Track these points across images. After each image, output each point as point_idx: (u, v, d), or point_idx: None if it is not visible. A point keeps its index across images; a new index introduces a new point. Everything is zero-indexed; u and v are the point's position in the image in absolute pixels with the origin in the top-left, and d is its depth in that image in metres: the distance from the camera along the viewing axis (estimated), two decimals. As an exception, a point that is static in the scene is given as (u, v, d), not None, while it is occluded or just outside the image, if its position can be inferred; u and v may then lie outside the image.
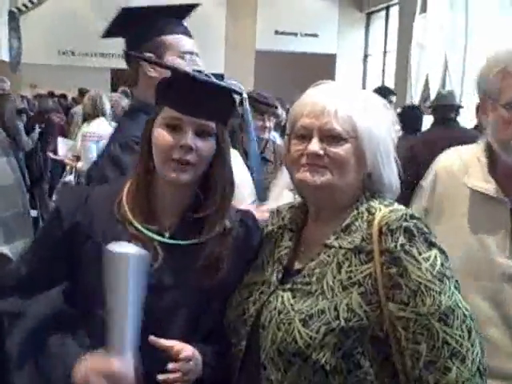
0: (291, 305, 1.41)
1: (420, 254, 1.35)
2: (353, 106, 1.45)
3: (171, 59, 2.03)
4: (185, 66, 2.01)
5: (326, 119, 1.43)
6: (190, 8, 2.32)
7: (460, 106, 5.06)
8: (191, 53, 2.13)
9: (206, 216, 1.51)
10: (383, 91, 6.18)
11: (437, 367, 1.32)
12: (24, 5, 12.43)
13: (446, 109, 4.81)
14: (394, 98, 6.00)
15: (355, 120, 1.43)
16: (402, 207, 1.45)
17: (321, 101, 1.45)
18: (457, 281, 1.39)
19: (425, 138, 4.87)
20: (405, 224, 1.38)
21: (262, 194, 1.73)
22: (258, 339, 1.44)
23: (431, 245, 1.37)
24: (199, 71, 1.55)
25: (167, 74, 1.55)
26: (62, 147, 6.04)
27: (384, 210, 1.42)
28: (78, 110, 8.42)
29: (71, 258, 1.49)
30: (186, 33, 2.20)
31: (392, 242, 1.36)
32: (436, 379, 1.32)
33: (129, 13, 2.16)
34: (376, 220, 1.40)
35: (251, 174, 1.94)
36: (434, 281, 1.34)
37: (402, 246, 1.35)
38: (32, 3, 12.36)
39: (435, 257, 1.36)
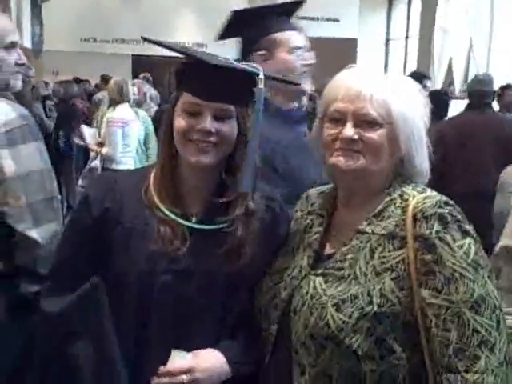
0: (323, 290, 1.41)
1: (454, 241, 1.35)
2: (387, 90, 1.44)
3: (283, 55, 2.11)
4: (294, 61, 2.11)
5: (362, 104, 1.42)
6: (297, 5, 2.38)
7: (495, 92, 5.00)
8: (301, 48, 2.18)
9: (230, 200, 1.51)
10: (418, 76, 6.11)
11: (466, 355, 1.32)
12: (46, -8, 12.48)
13: (481, 93, 4.75)
14: (428, 83, 5.94)
15: (390, 105, 1.42)
16: (435, 193, 1.44)
17: (355, 85, 1.44)
18: (490, 270, 1.38)
19: (455, 122, 4.83)
20: (440, 211, 1.37)
21: None
22: (290, 324, 1.44)
23: (465, 233, 1.37)
24: (217, 55, 1.53)
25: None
26: (86, 134, 6.09)
27: (418, 197, 1.42)
28: (100, 96, 8.46)
29: (102, 245, 1.50)
30: (295, 28, 2.25)
31: (427, 229, 1.36)
32: (466, 367, 1.32)
33: (240, 15, 2.23)
34: (410, 206, 1.40)
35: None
36: (468, 269, 1.34)
37: (437, 232, 1.35)
38: (54, -10, 12.40)
39: (469, 245, 1.36)
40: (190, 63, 1.50)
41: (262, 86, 1.45)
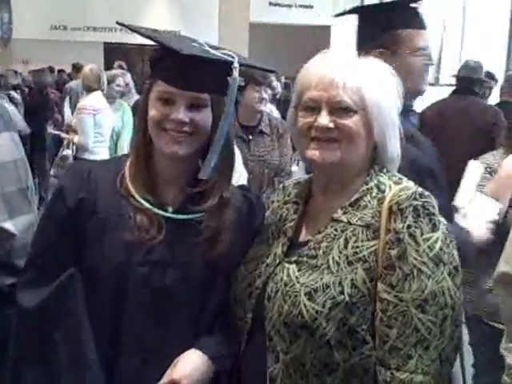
0: (296, 277, 1.41)
1: (422, 234, 1.34)
2: (361, 76, 1.43)
3: (407, 55, 1.96)
4: (419, 62, 1.97)
5: (335, 91, 1.41)
6: None
7: (484, 81, 5.03)
8: (425, 48, 2.03)
9: (205, 190, 1.50)
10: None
11: (400, 354, 1.34)
12: (14, -22, 12.26)
13: (468, 80, 4.79)
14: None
15: (364, 91, 1.42)
16: (411, 184, 1.44)
17: (329, 72, 1.42)
18: (456, 268, 1.37)
19: (437, 106, 4.86)
20: (414, 203, 1.37)
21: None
22: (264, 311, 1.44)
23: (435, 227, 1.36)
24: (194, 40, 1.50)
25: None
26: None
27: (395, 189, 1.41)
28: (73, 85, 8.33)
29: (77, 236, 1.48)
30: (422, 26, 2.06)
31: (400, 222, 1.35)
32: (397, 365, 1.34)
33: (364, 9, 2.13)
34: (387, 199, 1.39)
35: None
36: (428, 263, 1.34)
37: (409, 227, 1.35)
38: (22, -23, 12.17)
39: (436, 239, 1.35)
40: (161, 51, 1.47)
41: (236, 74, 1.43)
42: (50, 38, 14.77)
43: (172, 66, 1.43)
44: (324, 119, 1.41)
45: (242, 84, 1.44)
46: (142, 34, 1.49)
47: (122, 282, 1.45)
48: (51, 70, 10.73)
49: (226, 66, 1.44)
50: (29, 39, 13.62)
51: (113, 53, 12.53)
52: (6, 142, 1.95)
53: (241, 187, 1.62)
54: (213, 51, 1.46)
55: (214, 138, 1.46)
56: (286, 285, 1.42)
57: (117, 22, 1.60)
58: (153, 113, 1.45)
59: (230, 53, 1.47)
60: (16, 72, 10.02)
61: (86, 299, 1.46)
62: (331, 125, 1.41)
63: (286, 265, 1.45)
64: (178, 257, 1.47)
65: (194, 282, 1.48)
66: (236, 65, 1.44)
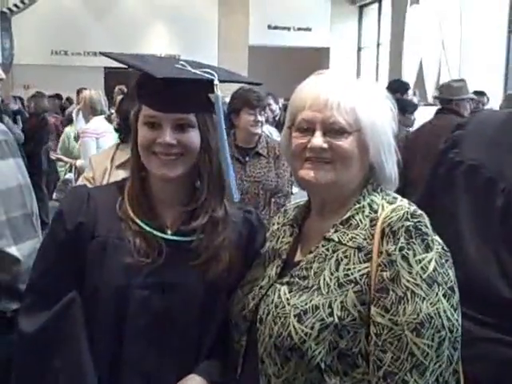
0: (287, 299, 1.39)
1: (415, 256, 1.31)
2: (355, 97, 1.41)
3: None
4: None
5: (329, 112, 1.39)
6: None
7: (471, 99, 5.03)
8: None
9: (195, 208, 1.50)
10: (398, 86, 6.16)
11: (395, 380, 1.29)
12: (15, 5, 12.40)
13: (446, 101, 4.81)
14: (409, 92, 6.00)
15: (358, 112, 1.40)
16: (404, 204, 1.42)
17: (323, 93, 1.41)
18: (451, 288, 1.34)
19: (419, 129, 4.88)
20: (406, 224, 1.34)
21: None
22: (257, 334, 1.43)
23: (428, 247, 1.33)
24: (177, 61, 1.50)
25: None
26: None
27: (387, 209, 1.39)
28: (72, 109, 8.39)
29: (77, 259, 1.47)
30: None
31: (393, 244, 1.32)
32: None
33: None
34: (379, 220, 1.37)
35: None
36: (421, 285, 1.30)
37: (401, 249, 1.31)
38: (23, 3, 12.31)
39: (429, 260, 1.32)
40: (143, 75, 1.47)
41: (218, 91, 1.43)
42: (51, 63, 14.91)
43: (153, 90, 1.42)
44: (318, 140, 1.40)
45: (226, 100, 1.47)
46: (122, 61, 1.50)
47: (121, 305, 1.44)
48: (58, 96, 10.81)
49: (207, 83, 1.43)
50: (30, 64, 13.72)
51: (113, 77, 12.62)
52: (11, 167, 1.98)
53: (242, 209, 1.61)
54: (194, 70, 1.45)
55: (202, 157, 1.47)
56: (276, 306, 1.40)
57: (100, 53, 1.62)
58: (141, 138, 1.46)
59: (210, 70, 1.46)
60: (16, 97, 10.08)
61: (87, 323, 1.45)
62: (325, 145, 1.40)
63: (278, 286, 1.44)
64: (177, 279, 1.46)
65: (193, 304, 1.47)
66: (216, 82, 1.43)
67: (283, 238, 1.55)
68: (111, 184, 1.60)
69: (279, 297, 1.41)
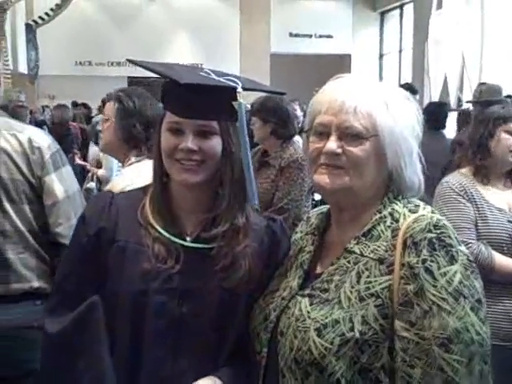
0: (308, 312, 1.36)
1: (439, 268, 1.26)
2: (373, 101, 1.37)
3: None
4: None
5: (345, 116, 1.35)
6: None
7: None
8: None
9: (216, 216, 1.50)
10: (406, 89, 6.06)
11: None
12: (40, 17, 12.59)
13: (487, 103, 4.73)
14: (416, 97, 5.91)
15: (375, 117, 1.35)
16: (427, 213, 1.36)
17: (339, 97, 1.37)
18: (478, 301, 1.28)
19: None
20: (429, 235, 1.29)
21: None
22: (277, 346, 1.40)
23: (452, 259, 1.28)
24: (201, 69, 1.51)
25: None
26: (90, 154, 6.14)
27: (409, 219, 1.34)
28: (98, 118, 8.47)
29: (99, 264, 1.49)
30: None
31: (415, 257, 1.28)
32: None
33: None
34: (401, 231, 1.32)
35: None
36: (447, 299, 1.25)
37: (424, 261, 1.27)
38: (48, 15, 12.49)
39: (454, 273, 1.27)
40: (168, 83, 1.48)
41: (241, 99, 1.43)
42: (75, 73, 15.12)
43: (177, 97, 1.44)
44: (332, 144, 1.36)
45: (249, 108, 1.49)
46: (148, 69, 1.50)
47: (139, 311, 1.45)
48: (74, 104, 10.93)
49: (230, 91, 1.44)
50: (55, 75, 13.92)
51: (137, 86, 12.73)
52: (69, 174, 2.18)
53: (265, 217, 1.61)
54: (217, 78, 1.46)
55: (224, 164, 1.47)
56: (297, 319, 1.36)
57: (127, 60, 1.63)
58: (164, 144, 1.47)
59: (234, 78, 1.46)
60: (43, 107, 10.26)
61: (107, 326, 1.46)
62: (339, 150, 1.36)
63: (299, 298, 1.40)
64: (195, 285, 1.46)
65: (211, 311, 1.46)
66: (240, 89, 1.44)
67: (305, 247, 1.52)
68: (136, 189, 1.61)
69: (300, 309, 1.37)
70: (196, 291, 1.46)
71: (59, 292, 1.55)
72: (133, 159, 2.45)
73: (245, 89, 1.45)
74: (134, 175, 2.26)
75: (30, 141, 2.10)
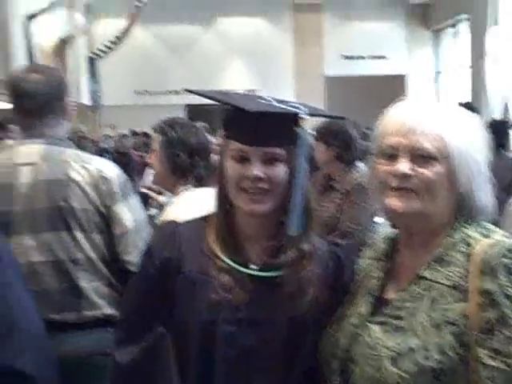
0: (380, 340, 1.34)
1: None
2: (442, 122, 1.35)
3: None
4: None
5: (415, 137, 1.34)
6: None
7: None
8: None
9: (283, 242, 1.48)
10: (466, 108, 5.96)
11: None
12: (101, 50, 13.03)
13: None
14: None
15: (445, 138, 1.34)
16: (500, 237, 1.35)
17: (409, 118, 1.36)
18: None
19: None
20: (504, 261, 1.27)
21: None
22: (349, 374, 1.38)
23: None
24: (259, 97, 1.52)
25: None
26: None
27: (482, 244, 1.32)
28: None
29: (165, 295, 1.50)
30: None
31: (492, 283, 1.26)
32: None
33: None
34: (476, 257, 1.30)
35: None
36: None
37: (502, 287, 1.25)
38: (108, 48, 12.91)
39: None
40: (231, 111, 1.48)
41: (304, 125, 1.45)
42: (134, 103, 15.50)
43: (242, 124, 1.43)
44: (403, 166, 1.34)
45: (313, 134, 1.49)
46: (210, 97, 1.51)
47: (209, 341, 1.45)
48: (133, 133, 11.22)
49: (294, 117, 1.45)
50: (115, 105, 14.30)
51: (196, 114, 12.98)
52: (136, 203, 2.26)
53: (328, 242, 1.60)
54: (279, 105, 1.47)
55: (290, 191, 1.45)
56: (369, 347, 1.34)
57: (186, 90, 1.63)
58: (230, 173, 1.46)
59: (296, 104, 1.48)
60: (104, 137, 10.58)
61: (177, 356, 1.49)
62: (410, 172, 1.33)
63: (371, 325, 1.38)
64: (263, 315, 1.45)
65: (280, 340, 1.46)
66: (303, 115, 1.45)
67: (373, 273, 1.49)
68: (198, 218, 1.59)
69: (372, 337, 1.36)
70: (264, 320, 1.45)
71: (126, 323, 1.57)
72: (181, 188, 2.52)
73: (308, 114, 1.47)
74: (185, 205, 2.36)
75: (99, 171, 2.17)
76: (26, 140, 2.23)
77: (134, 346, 1.51)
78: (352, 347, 1.39)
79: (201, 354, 1.46)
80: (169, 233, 1.55)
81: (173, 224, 1.61)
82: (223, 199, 1.50)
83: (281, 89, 15.17)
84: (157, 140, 2.55)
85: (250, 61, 16.20)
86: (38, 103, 2.19)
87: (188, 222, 1.61)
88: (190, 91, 1.55)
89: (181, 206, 2.39)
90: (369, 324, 1.39)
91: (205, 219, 1.57)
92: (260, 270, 1.48)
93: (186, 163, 2.49)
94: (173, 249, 1.51)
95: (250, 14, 16.12)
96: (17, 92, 2.23)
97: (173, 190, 2.58)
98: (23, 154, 2.18)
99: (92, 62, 13.07)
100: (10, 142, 4.85)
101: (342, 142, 3.53)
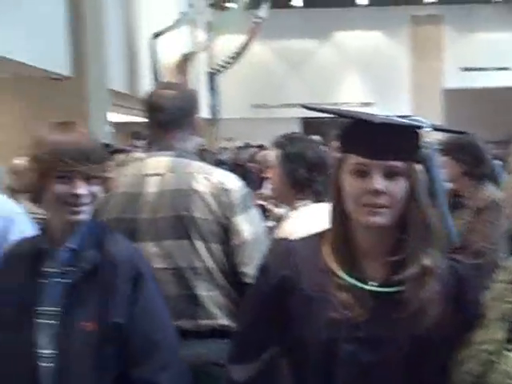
0: None
1: None
2: None
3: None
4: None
5: None
6: None
7: None
8: None
9: (404, 258, 1.43)
10: None
11: None
12: (220, 65, 13.43)
13: None
14: None
15: None
16: None
17: None
18: None
19: None
20: None
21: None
22: None
23: None
24: (375, 115, 1.50)
25: None
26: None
27: None
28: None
29: (281, 313, 1.48)
30: None
31: None
32: None
33: None
34: None
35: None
36: None
37: None
38: (228, 63, 13.26)
39: None
40: (352, 125, 1.46)
41: (429, 139, 1.45)
42: (251, 116, 15.87)
43: (363, 138, 1.40)
44: None
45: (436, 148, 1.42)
46: (329, 112, 1.52)
47: (329, 360, 1.42)
48: (248, 145, 11.48)
49: (416, 131, 1.43)
50: (232, 118, 14.70)
51: (310, 127, 13.09)
52: (256, 215, 2.30)
53: (448, 258, 1.53)
54: (397, 119, 1.46)
55: (409, 206, 1.42)
56: (508, 377, 1.31)
57: (302, 106, 1.62)
58: (348, 188, 1.43)
59: (417, 118, 1.47)
60: (221, 149, 10.92)
61: (295, 374, 1.47)
62: None
63: (508, 353, 1.34)
64: (385, 333, 1.41)
65: (402, 358, 1.41)
66: (427, 129, 1.43)
67: (508, 297, 1.42)
68: (313, 235, 1.56)
69: (509, 366, 1.32)
70: (386, 339, 1.41)
71: (242, 341, 1.57)
72: (298, 203, 2.51)
73: (431, 128, 1.45)
74: (302, 220, 2.37)
75: (220, 183, 2.20)
76: (156, 152, 2.33)
77: (250, 364, 1.51)
78: (488, 375, 1.35)
79: (320, 373, 1.43)
80: (284, 250, 1.54)
81: (287, 241, 1.61)
82: (340, 214, 1.48)
83: (397, 102, 14.97)
84: (276, 155, 2.58)
85: (367, 74, 16.12)
86: (170, 118, 2.28)
87: (303, 239, 1.58)
88: (305, 107, 1.55)
89: (298, 221, 2.41)
90: (506, 352, 1.35)
91: (320, 235, 1.54)
92: (379, 286, 1.44)
93: (304, 178, 2.50)
94: (289, 267, 1.49)
95: (367, 28, 16.08)
96: (152, 107, 2.32)
97: (290, 205, 2.58)
98: (152, 165, 2.28)
99: (211, 76, 13.49)
100: (137, 154, 5.15)
101: (472, 157, 3.34)
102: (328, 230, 1.51)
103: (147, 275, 1.72)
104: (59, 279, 1.67)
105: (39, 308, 1.67)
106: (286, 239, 1.66)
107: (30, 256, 1.72)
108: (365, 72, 16.10)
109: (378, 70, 15.76)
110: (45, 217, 1.76)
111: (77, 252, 1.68)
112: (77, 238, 1.69)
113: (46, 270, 1.69)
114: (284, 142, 2.58)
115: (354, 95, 15.95)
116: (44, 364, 1.64)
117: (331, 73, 16.01)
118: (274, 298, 1.48)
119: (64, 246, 1.69)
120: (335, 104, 14.55)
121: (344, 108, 1.66)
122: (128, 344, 1.66)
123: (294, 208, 2.54)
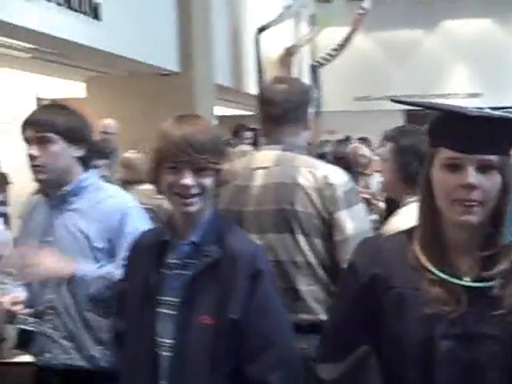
0: None
1: None
2: None
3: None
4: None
5: None
6: None
7: None
8: None
9: (496, 253, 1.42)
10: None
11: None
12: (323, 58, 13.42)
13: None
14: None
15: None
16: None
17: None
18: None
19: None
20: None
21: None
22: None
23: None
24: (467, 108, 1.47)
25: None
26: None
27: None
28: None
29: (371, 311, 1.48)
30: None
31: None
32: None
33: None
34: None
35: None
36: None
37: None
38: (331, 56, 13.23)
39: None
40: (444, 117, 1.43)
41: None
42: (353, 109, 15.70)
43: (456, 131, 1.38)
44: None
45: None
46: (418, 105, 1.51)
47: (426, 357, 1.40)
48: (349, 138, 11.43)
49: (511, 124, 1.38)
50: (334, 111, 14.65)
51: (414, 120, 12.77)
52: (361, 212, 2.30)
53: None
54: (496, 112, 1.41)
55: (503, 200, 1.40)
56: None
57: (391, 100, 1.60)
58: (441, 183, 1.42)
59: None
60: (322, 142, 10.94)
61: (388, 373, 1.46)
62: None
63: None
64: (483, 329, 1.39)
65: (504, 357, 1.38)
66: None
67: None
68: (402, 232, 1.55)
69: None
70: (485, 335, 1.39)
71: (332, 340, 1.57)
72: (407, 199, 2.46)
73: None
74: (409, 216, 2.38)
75: (325, 177, 2.22)
76: (265, 146, 2.40)
77: (340, 363, 1.51)
78: None
79: (419, 372, 1.41)
80: (374, 248, 1.53)
81: (376, 239, 1.62)
82: (430, 210, 1.46)
83: (506, 93, 14.38)
84: (387, 149, 2.55)
85: (474, 64, 15.56)
86: (282, 112, 2.31)
87: (391, 236, 1.59)
88: (394, 101, 1.53)
89: (406, 217, 2.34)
90: None
91: (408, 232, 1.53)
92: (473, 281, 1.42)
93: (416, 172, 2.46)
94: (379, 264, 1.48)
95: (476, 16, 15.51)
96: (264, 101, 2.38)
97: (400, 199, 2.53)
98: (260, 159, 2.36)
99: (314, 69, 13.52)
100: (243, 147, 5.28)
101: None
102: (417, 226, 1.50)
103: (266, 272, 1.72)
104: (180, 271, 1.72)
105: (161, 298, 1.73)
106: (373, 237, 1.66)
107: (155, 247, 1.77)
108: (472, 62, 15.54)
109: (486, 60, 15.17)
110: (155, 208, 1.87)
111: (197, 245, 1.72)
112: (199, 232, 1.73)
113: (168, 261, 1.75)
114: (396, 135, 2.54)
115: (460, 86, 15.44)
116: (164, 353, 1.70)
117: (436, 63, 15.56)
118: (365, 297, 1.48)
119: (185, 239, 1.74)
120: (441, 95, 14.17)
121: (450, 100, 1.65)
122: (243, 341, 1.67)
123: (403, 203, 2.49)
